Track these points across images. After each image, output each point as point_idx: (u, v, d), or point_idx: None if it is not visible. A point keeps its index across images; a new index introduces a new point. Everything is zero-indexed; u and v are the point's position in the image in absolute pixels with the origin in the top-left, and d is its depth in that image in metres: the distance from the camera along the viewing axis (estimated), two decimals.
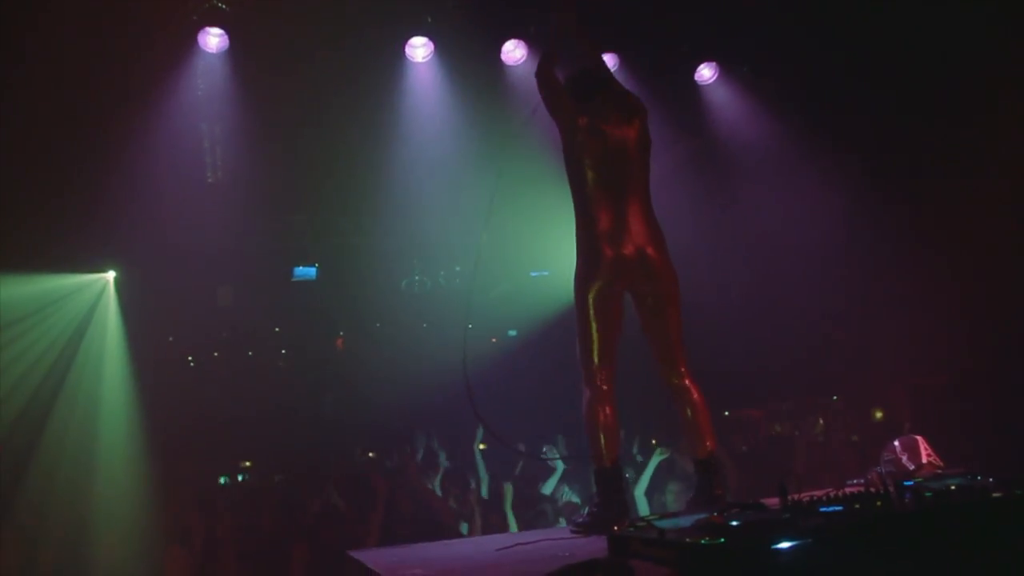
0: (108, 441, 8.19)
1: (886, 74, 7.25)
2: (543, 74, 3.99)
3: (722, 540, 1.94)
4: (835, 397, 11.48)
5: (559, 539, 3.46)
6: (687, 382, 3.82)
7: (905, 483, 2.65)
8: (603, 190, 3.76)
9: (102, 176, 7.66)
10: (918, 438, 4.58)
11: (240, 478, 12.90)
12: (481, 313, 12.70)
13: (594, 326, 3.68)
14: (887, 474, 4.54)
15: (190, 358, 13.23)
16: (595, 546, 3.21)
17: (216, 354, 13.56)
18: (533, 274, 11.79)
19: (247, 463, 13.34)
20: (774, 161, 7.99)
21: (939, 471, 4.38)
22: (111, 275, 8.72)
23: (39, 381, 7.89)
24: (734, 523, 2.09)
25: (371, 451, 14.07)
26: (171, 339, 12.15)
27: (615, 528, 2.38)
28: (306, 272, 10.18)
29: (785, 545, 1.95)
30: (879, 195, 7.82)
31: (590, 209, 3.75)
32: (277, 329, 13.32)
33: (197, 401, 10.61)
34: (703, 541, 1.95)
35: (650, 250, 3.74)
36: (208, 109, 7.89)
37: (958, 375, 8.40)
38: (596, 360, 3.69)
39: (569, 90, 3.96)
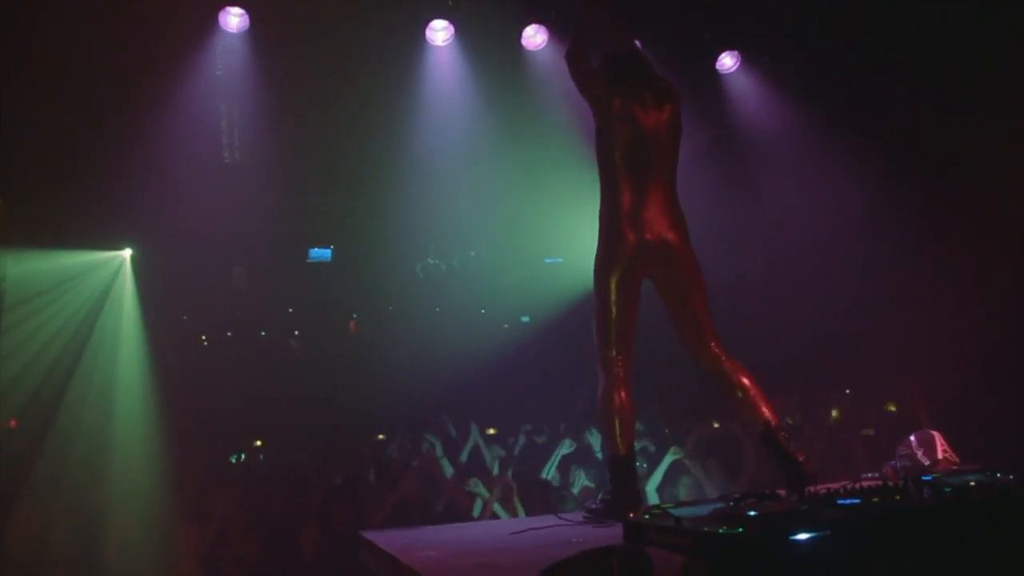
0: (123, 419, 8.23)
1: (909, 67, 7.18)
2: (574, 56, 3.95)
3: (740, 529, 1.92)
4: (848, 391, 11.45)
5: (571, 524, 3.46)
6: (723, 361, 3.78)
7: (924, 478, 2.63)
8: (630, 174, 3.74)
9: (120, 154, 7.68)
10: (934, 433, 4.54)
11: (244, 457, 13.00)
12: (494, 299, 12.79)
13: (613, 312, 3.66)
14: (902, 468, 4.53)
15: (204, 338, 13.32)
16: (608, 533, 3.20)
17: (229, 334, 13.64)
18: (547, 261, 11.77)
19: (259, 442, 13.44)
20: (794, 151, 7.93)
21: (955, 467, 4.35)
22: (127, 253, 8.73)
23: (55, 357, 7.92)
24: (752, 513, 2.08)
25: (381, 434, 14.16)
26: (185, 318, 12.22)
27: (630, 515, 2.36)
28: (321, 254, 10.20)
29: (803, 536, 1.93)
30: (899, 188, 7.75)
31: (616, 192, 3.73)
32: (291, 310, 13.36)
33: (210, 381, 10.67)
34: (721, 530, 1.94)
35: (671, 236, 3.72)
36: (227, 89, 7.89)
37: (976, 371, 8.34)
38: (614, 346, 3.67)
39: (603, 72, 3.92)
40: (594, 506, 3.55)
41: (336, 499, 6.63)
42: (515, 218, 10.11)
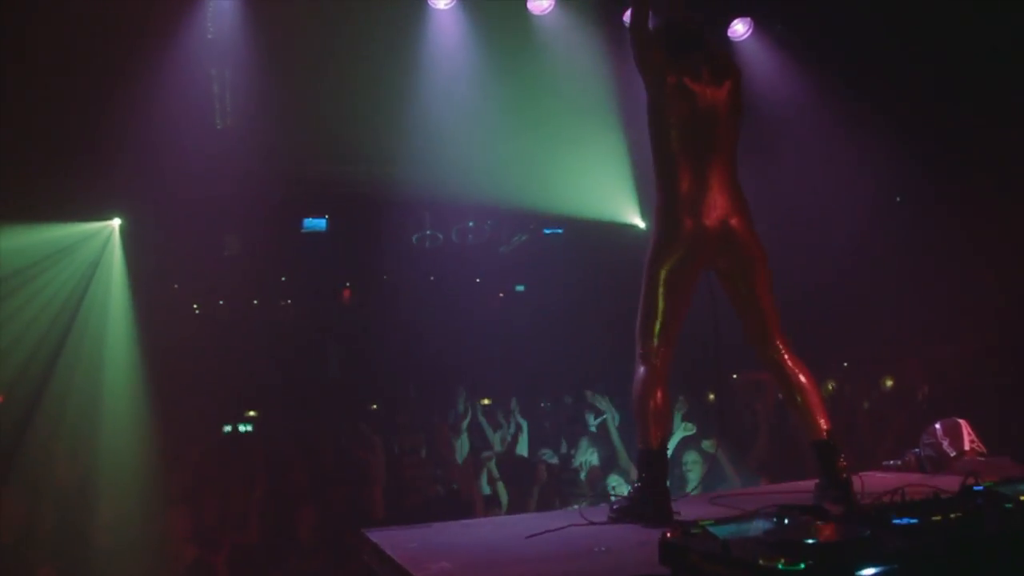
0: (112, 393, 8.05)
1: (927, 42, 6.93)
2: (635, 24, 3.62)
3: (802, 566, 1.73)
4: (845, 363, 11.38)
5: (589, 524, 3.27)
6: (787, 358, 3.56)
7: (975, 487, 2.44)
8: (687, 154, 3.48)
9: (108, 121, 7.41)
10: (961, 422, 4.38)
11: (241, 428, 12.91)
12: (490, 267, 12.66)
13: (661, 303, 3.43)
14: (926, 458, 4.37)
15: (195, 306, 13.15)
16: (631, 538, 3.03)
17: (221, 302, 13.48)
18: (546, 232, 11.61)
19: (252, 412, 13.32)
20: (806, 122, 7.70)
21: (982, 459, 4.19)
22: (116, 223, 8.48)
23: (43, 332, 7.71)
24: (809, 540, 1.89)
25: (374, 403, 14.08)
26: (176, 286, 12.04)
27: (667, 534, 2.16)
28: (316, 224, 9.94)
29: (870, 572, 1.75)
30: (913, 163, 7.53)
31: (672, 175, 3.47)
32: (283, 279, 13.17)
33: (202, 349, 10.50)
34: (780, 565, 1.74)
35: (734, 221, 3.47)
36: (218, 52, 7.60)
37: (982, 348, 8.21)
38: (656, 338, 3.43)
39: (659, 43, 3.61)
40: (617, 505, 3.36)
41: (332, 481, 6.48)
42: (515, 189, 9.88)
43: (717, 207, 3.43)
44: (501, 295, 14.28)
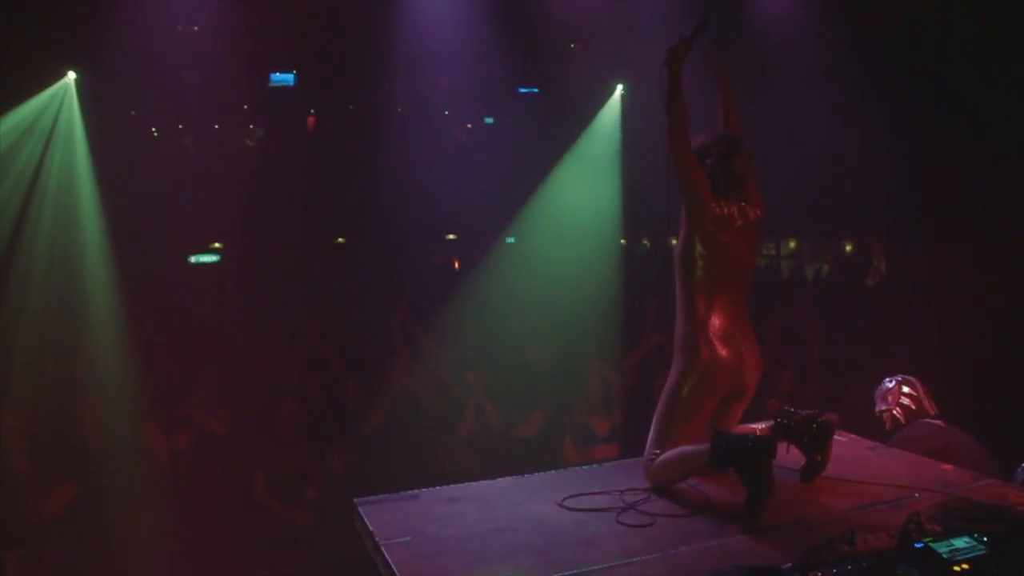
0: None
1: None
2: (680, 137, 3.30)
3: None
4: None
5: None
6: None
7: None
8: (713, 286, 3.39)
9: None
10: (914, 380, 4.55)
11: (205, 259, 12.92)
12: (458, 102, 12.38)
13: (687, 420, 3.37)
14: (881, 413, 4.59)
15: (154, 129, 12.79)
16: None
17: (180, 127, 13.12)
18: (522, 91, 11.36)
19: (217, 244, 13.30)
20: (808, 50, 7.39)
21: (939, 423, 4.40)
22: (71, 77, 8.04)
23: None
24: None
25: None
26: (133, 113, 11.68)
27: None
28: (284, 79, 9.53)
29: None
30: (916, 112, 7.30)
31: (695, 304, 3.40)
32: (246, 107, 12.80)
33: (163, 179, 10.34)
34: None
35: (746, 351, 3.44)
36: None
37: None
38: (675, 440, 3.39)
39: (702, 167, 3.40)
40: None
41: (308, 373, 6.64)
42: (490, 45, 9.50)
43: (735, 338, 3.40)
44: (469, 125, 14.10)
